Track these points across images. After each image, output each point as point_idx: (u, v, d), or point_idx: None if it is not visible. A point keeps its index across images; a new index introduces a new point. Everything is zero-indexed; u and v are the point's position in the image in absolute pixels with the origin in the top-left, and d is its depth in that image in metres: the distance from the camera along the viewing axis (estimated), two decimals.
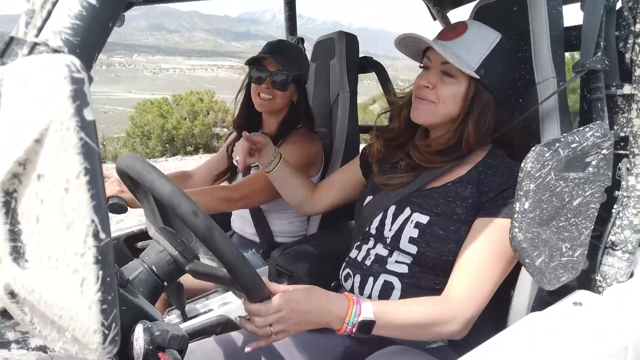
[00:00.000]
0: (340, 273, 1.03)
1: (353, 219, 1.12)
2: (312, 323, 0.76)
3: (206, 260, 0.84)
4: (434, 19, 1.94)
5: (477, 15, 1.11)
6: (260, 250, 1.53)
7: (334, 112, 1.64)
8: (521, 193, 0.69)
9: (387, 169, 1.03)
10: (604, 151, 0.75)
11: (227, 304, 1.29)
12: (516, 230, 0.70)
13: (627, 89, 0.86)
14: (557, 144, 0.70)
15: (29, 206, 0.32)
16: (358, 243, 1.02)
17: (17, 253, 0.33)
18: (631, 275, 0.90)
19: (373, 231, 0.98)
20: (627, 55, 0.86)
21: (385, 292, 0.91)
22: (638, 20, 0.83)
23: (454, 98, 0.90)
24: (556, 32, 0.93)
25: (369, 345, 0.90)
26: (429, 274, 0.90)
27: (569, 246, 0.76)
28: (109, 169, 1.32)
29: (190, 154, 11.69)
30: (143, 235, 1.57)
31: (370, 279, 0.93)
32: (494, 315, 0.89)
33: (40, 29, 0.41)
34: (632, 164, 0.87)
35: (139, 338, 0.63)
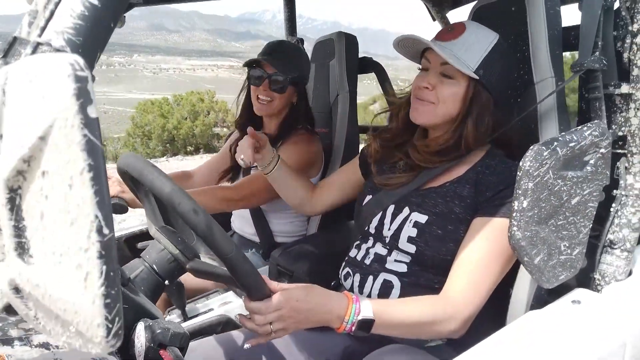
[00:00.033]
0: (340, 272, 1.03)
1: (353, 218, 1.13)
2: (312, 321, 0.77)
3: (207, 260, 0.85)
4: (433, 19, 1.94)
5: (476, 15, 1.11)
6: (261, 251, 1.53)
7: (333, 113, 1.65)
8: (520, 192, 0.69)
9: (386, 169, 1.03)
10: (602, 150, 0.76)
11: (227, 304, 1.30)
12: (515, 228, 0.70)
13: (625, 88, 0.86)
14: (556, 143, 0.70)
15: (33, 202, 0.33)
16: (357, 242, 1.03)
17: (21, 249, 0.34)
18: (630, 274, 0.90)
19: (372, 230, 0.99)
20: (625, 55, 0.86)
21: (385, 291, 0.91)
22: (635, 20, 0.84)
23: (453, 98, 0.90)
24: (554, 32, 0.93)
25: (368, 343, 0.90)
26: (428, 273, 0.90)
27: (567, 245, 0.76)
28: (110, 169, 1.32)
29: (191, 154, 11.71)
30: (143, 235, 1.58)
31: (370, 278, 0.94)
32: (492, 314, 0.89)
33: (43, 29, 0.42)
34: (630, 163, 0.87)
35: (140, 336, 0.64)
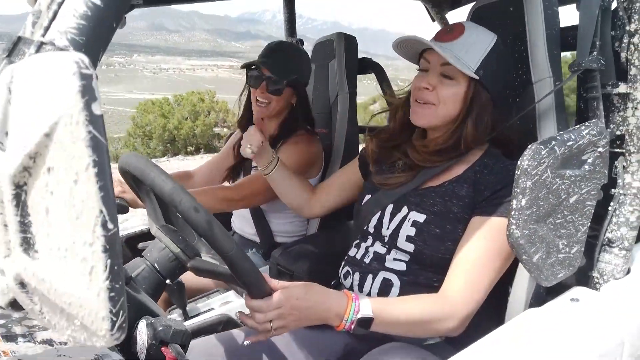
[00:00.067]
0: (340, 271, 1.04)
1: (352, 219, 1.13)
2: (312, 319, 0.77)
3: (208, 258, 0.85)
4: (433, 20, 1.95)
5: (475, 16, 1.12)
6: (261, 250, 1.54)
7: (333, 113, 1.65)
8: (518, 190, 0.70)
9: (385, 169, 1.04)
10: (600, 149, 0.76)
11: (228, 303, 1.30)
12: (513, 227, 0.71)
13: (622, 87, 0.87)
14: (554, 142, 0.71)
15: (39, 198, 0.33)
16: (357, 241, 1.03)
17: (27, 244, 0.34)
18: (628, 272, 0.90)
19: (371, 229, 0.99)
20: (623, 55, 0.87)
21: (384, 290, 0.92)
22: (633, 20, 0.84)
23: (454, 99, 0.91)
24: (552, 32, 0.94)
25: (368, 342, 0.91)
26: (427, 272, 0.91)
27: (565, 243, 0.77)
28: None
29: (192, 154, 11.71)
30: (144, 236, 1.58)
31: (370, 277, 0.94)
32: (491, 312, 0.90)
33: (46, 29, 0.42)
34: (628, 162, 0.88)
35: (142, 333, 0.64)
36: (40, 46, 0.42)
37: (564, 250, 0.77)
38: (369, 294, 0.94)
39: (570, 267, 0.79)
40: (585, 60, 0.85)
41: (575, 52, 0.89)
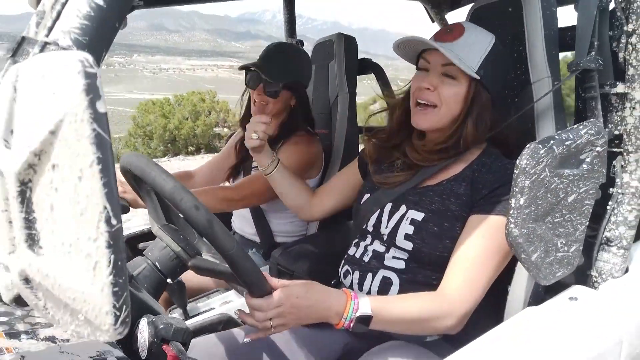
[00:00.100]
0: (340, 270, 1.04)
1: (352, 219, 1.14)
2: (311, 318, 0.78)
3: (209, 257, 0.86)
4: (432, 20, 1.96)
5: (474, 16, 1.13)
6: (261, 250, 1.54)
7: (333, 114, 1.65)
8: (516, 189, 0.70)
9: (384, 168, 1.04)
10: (598, 148, 0.77)
11: (228, 303, 1.31)
12: (512, 226, 0.71)
13: (620, 87, 0.87)
14: (552, 142, 0.71)
15: (43, 195, 0.34)
16: (356, 240, 1.04)
17: (32, 240, 0.35)
18: (626, 271, 0.91)
19: (370, 228, 1.00)
20: (621, 55, 0.88)
21: (384, 288, 0.92)
22: (630, 20, 0.85)
23: (455, 99, 0.91)
24: (551, 32, 0.94)
25: (367, 340, 0.91)
26: (426, 270, 0.91)
27: (564, 242, 0.77)
28: None
29: (192, 154, 11.72)
30: (144, 236, 1.58)
31: (369, 275, 0.95)
32: (490, 310, 0.90)
33: (50, 29, 0.43)
34: (627, 162, 0.89)
35: (143, 331, 0.65)
36: (44, 46, 0.42)
37: (563, 249, 0.78)
38: (368, 293, 0.94)
39: (569, 266, 0.80)
40: (584, 60, 0.86)
41: (574, 52, 0.90)
